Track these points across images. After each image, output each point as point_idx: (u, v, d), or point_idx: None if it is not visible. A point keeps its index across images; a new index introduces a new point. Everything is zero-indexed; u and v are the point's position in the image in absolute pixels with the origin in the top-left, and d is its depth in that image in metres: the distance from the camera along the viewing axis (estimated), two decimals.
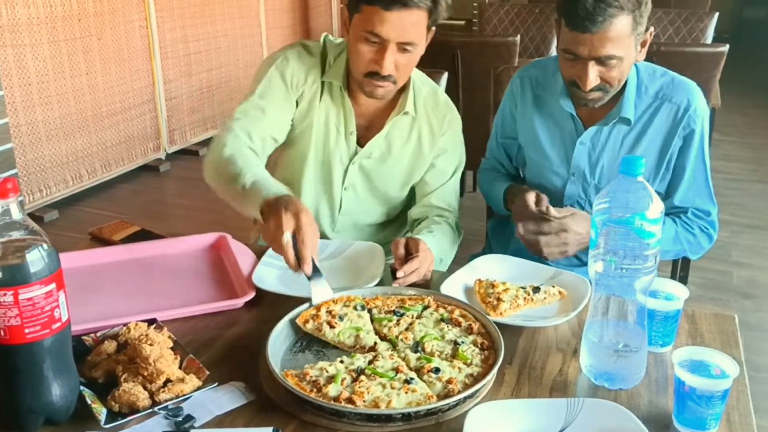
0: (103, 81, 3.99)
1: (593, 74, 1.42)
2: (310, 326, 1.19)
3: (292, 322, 1.21)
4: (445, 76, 2.07)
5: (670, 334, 1.18)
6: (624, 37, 1.38)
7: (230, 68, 5.07)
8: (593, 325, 1.12)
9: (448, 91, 2.03)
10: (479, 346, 1.14)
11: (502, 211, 1.71)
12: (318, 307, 1.22)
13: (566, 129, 1.61)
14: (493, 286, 1.33)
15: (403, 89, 1.59)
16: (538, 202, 1.45)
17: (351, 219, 1.70)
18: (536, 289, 1.32)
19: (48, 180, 3.72)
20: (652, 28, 1.47)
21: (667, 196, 1.60)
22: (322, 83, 1.59)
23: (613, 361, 1.09)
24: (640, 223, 1.04)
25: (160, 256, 1.52)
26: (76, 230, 3.46)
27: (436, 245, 1.49)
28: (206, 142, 4.84)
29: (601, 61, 1.41)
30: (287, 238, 1.19)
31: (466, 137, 1.74)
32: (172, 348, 1.11)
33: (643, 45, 1.47)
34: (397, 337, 1.18)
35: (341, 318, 1.20)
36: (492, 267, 1.44)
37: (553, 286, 1.34)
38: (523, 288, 1.33)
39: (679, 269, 2.52)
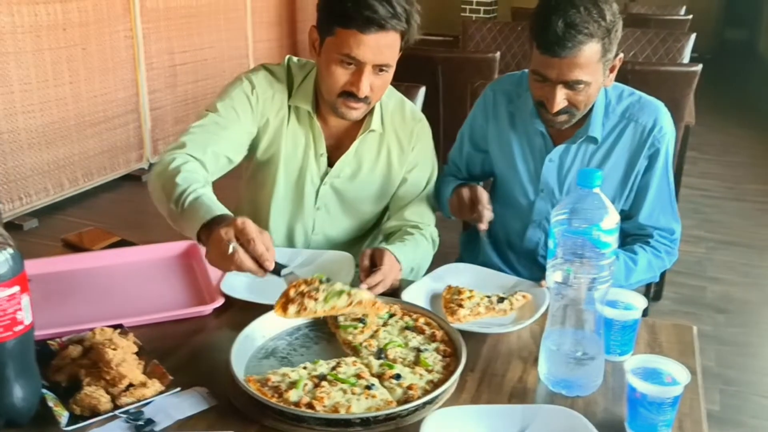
0: (87, 90, 3.99)
1: (560, 97, 1.44)
2: (292, 311, 1.12)
3: (259, 328, 1.22)
4: (423, 90, 2.08)
5: (629, 343, 1.21)
6: (592, 63, 1.40)
7: (216, 80, 5.09)
8: (552, 334, 1.14)
9: (428, 106, 2.04)
10: (442, 353, 1.17)
11: (446, 209, 1.67)
12: (285, 294, 1.14)
13: (536, 146, 1.63)
14: (459, 292, 1.35)
15: None
16: (474, 202, 1.51)
17: (324, 238, 1.70)
18: (501, 300, 1.35)
19: (28, 188, 3.70)
20: (621, 54, 1.49)
21: (631, 214, 1.61)
22: (289, 107, 1.58)
23: (570, 369, 1.11)
24: (597, 234, 1.07)
25: (130, 263, 1.53)
26: (55, 239, 3.43)
27: (406, 255, 1.50)
28: None
29: (569, 85, 1.43)
30: (232, 247, 1.11)
31: (444, 152, 1.75)
32: (137, 353, 1.12)
33: (611, 70, 1.48)
34: (361, 344, 1.20)
35: (316, 290, 1.15)
36: (455, 275, 1.46)
37: (515, 293, 1.37)
38: (488, 297, 1.35)
39: (654, 284, 2.55)
